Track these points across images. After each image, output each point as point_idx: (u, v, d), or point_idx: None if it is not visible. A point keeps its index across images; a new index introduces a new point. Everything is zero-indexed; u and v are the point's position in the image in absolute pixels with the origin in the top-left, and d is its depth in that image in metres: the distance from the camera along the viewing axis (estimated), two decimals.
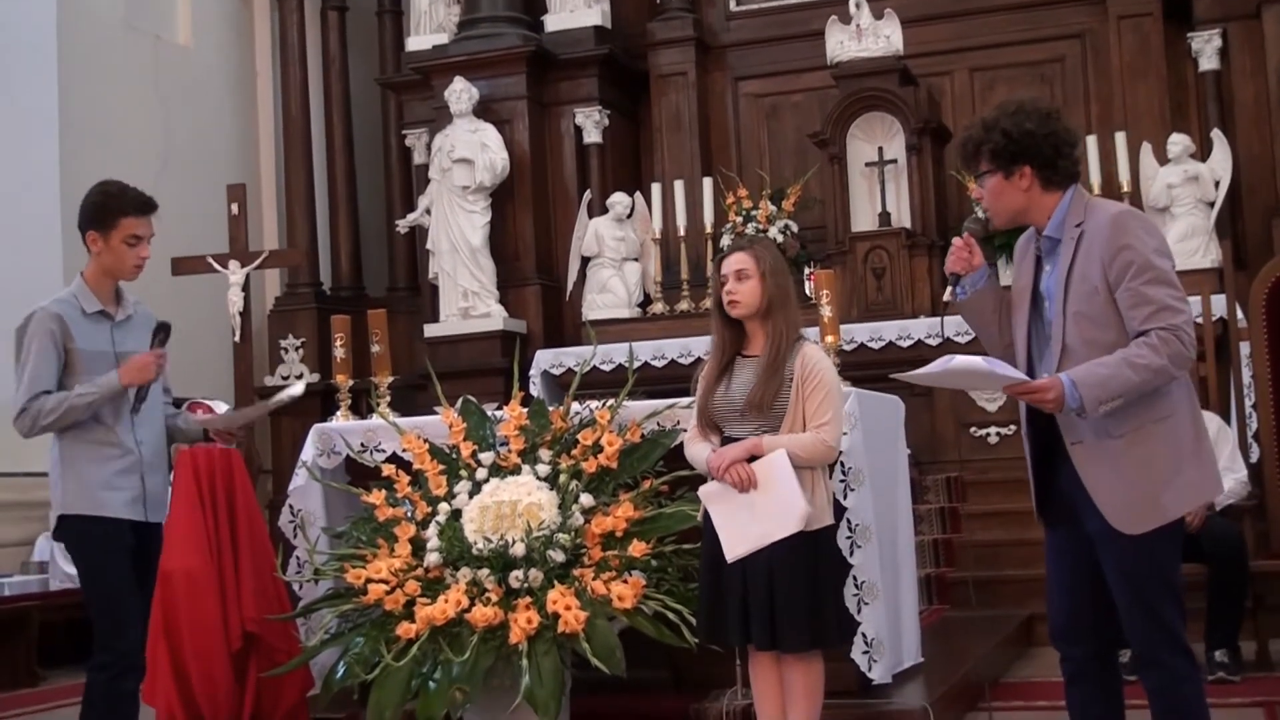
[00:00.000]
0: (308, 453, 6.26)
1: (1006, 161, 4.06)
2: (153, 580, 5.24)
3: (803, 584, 4.61)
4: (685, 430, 5.11)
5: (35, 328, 4.95)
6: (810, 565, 4.64)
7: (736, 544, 4.65)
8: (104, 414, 4.96)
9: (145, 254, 5.11)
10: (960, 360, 4.01)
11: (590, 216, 11.89)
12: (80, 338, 4.97)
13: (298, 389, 5.63)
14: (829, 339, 6.36)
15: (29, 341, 4.95)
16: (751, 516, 4.62)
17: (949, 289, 4.27)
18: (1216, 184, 10.67)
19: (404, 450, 5.76)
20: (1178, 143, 10.67)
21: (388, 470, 5.69)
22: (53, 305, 5.01)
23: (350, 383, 6.67)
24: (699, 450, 4.79)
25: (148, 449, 5.07)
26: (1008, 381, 3.98)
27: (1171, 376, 3.94)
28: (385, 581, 5.34)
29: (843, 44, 11.30)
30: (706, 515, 4.77)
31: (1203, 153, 10.82)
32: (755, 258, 4.74)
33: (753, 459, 4.63)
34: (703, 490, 4.77)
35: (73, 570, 9.87)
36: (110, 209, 5.04)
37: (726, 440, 4.74)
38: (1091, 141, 10.84)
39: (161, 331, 5.13)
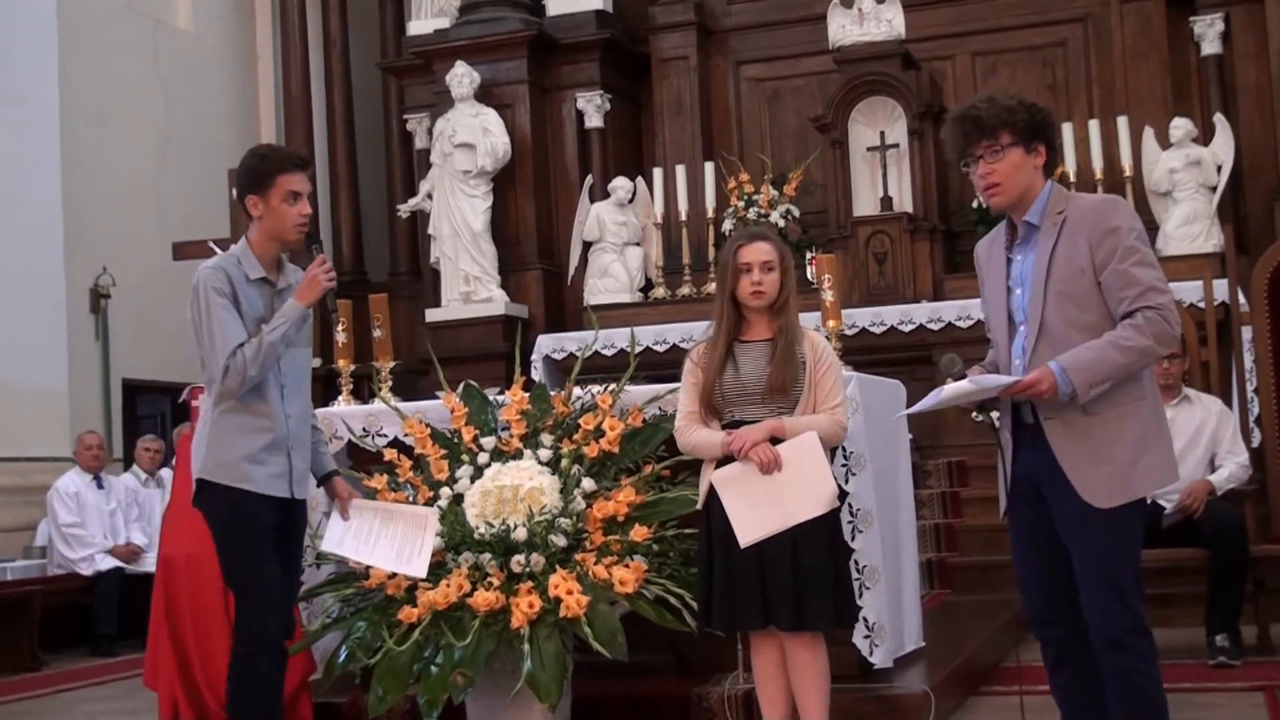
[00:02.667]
0: None
1: (1030, 136, 4.10)
2: (294, 557, 5.05)
3: (828, 563, 4.66)
4: None
5: (204, 288, 4.80)
6: (831, 545, 4.70)
7: (753, 528, 4.62)
8: (262, 384, 4.83)
9: (307, 211, 4.94)
10: (949, 389, 4.16)
11: (592, 201, 11.89)
12: (244, 301, 4.84)
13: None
14: (831, 323, 6.35)
15: (203, 304, 4.79)
16: (771, 499, 4.61)
17: (988, 416, 4.37)
18: (1219, 168, 10.66)
19: (406, 435, 5.76)
20: (1180, 127, 10.67)
21: (390, 455, 5.70)
22: (219, 262, 4.88)
23: (352, 367, 6.67)
24: (704, 435, 4.76)
25: (295, 423, 4.93)
26: (1000, 388, 4.07)
27: (1157, 356, 4.04)
28: None
29: (844, 28, 11.29)
30: (710, 502, 4.74)
31: (1205, 137, 10.82)
32: (779, 251, 4.79)
33: (772, 441, 4.65)
34: (716, 475, 4.72)
35: (71, 555, 9.93)
36: (265, 169, 4.91)
37: (732, 425, 4.73)
38: (1094, 126, 10.85)
39: (314, 242, 5.03)
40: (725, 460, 4.72)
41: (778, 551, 4.62)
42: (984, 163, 4.11)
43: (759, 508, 4.63)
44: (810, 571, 4.61)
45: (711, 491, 4.74)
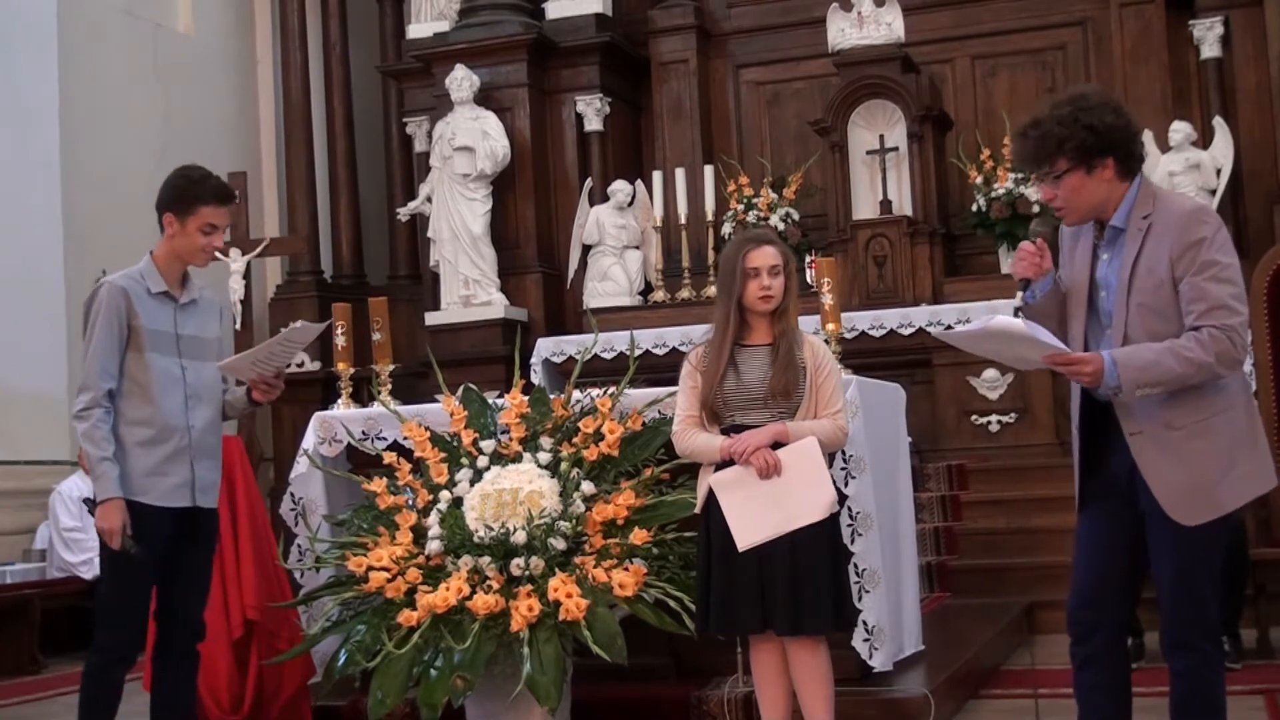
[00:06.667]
0: (309, 440, 6.25)
1: (1091, 156, 3.99)
2: (202, 564, 5.16)
3: (827, 567, 4.65)
4: None
5: (101, 302, 4.92)
6: (830, 549, 4.69)
7: (751, 532, 4.62)
8: (158, 396, 4.93)
9: (218, 243, 5.09)
10: (1001, 320, 3.97)
11: (591, 204, 11.89)
12: (144, 315, 4.93)
13: (313, 327, 5.47)
14: (830, 326, 6.35)
15: (95, 317, 4.92)
16: (770, 504, 4.61)
17: (1019, 294, 4.14)
18: (1218, 172, 10.66)
19: (405, 438, 5.75)
20: (1179, 130, 10.67)
21: (389, 458, 5.69)
22: (120, 280, 4.99)
23: (351, 370, 6.67)
24: (703, 439, 4.75)
25: (199, 434, 5.02)
26: (1047, 350, 3.94)
27: (1215, 375, 3.93)
28: (387, 569, 5.34)
29: (844, 31, 11.29)
30: (709, 505, 4.74)
31: (1204, 140, 10.82)
32: (784, 255, 4.79)
33: (774, 445, 4.64)
34: (715, 478, 4.72)
35: (71, 559, 9.92)
36: (189, 194, 5.00)
37: (733, 429, 4.72)
38: None
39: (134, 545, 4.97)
40: (724, 464, 4.71)
41: (776, 555, 4.62)
42: (1044, 187, 4.04)
43: (757, 512, 4.63)
44: (809, 575, 4.61)
45: (710, 495, 4.74)
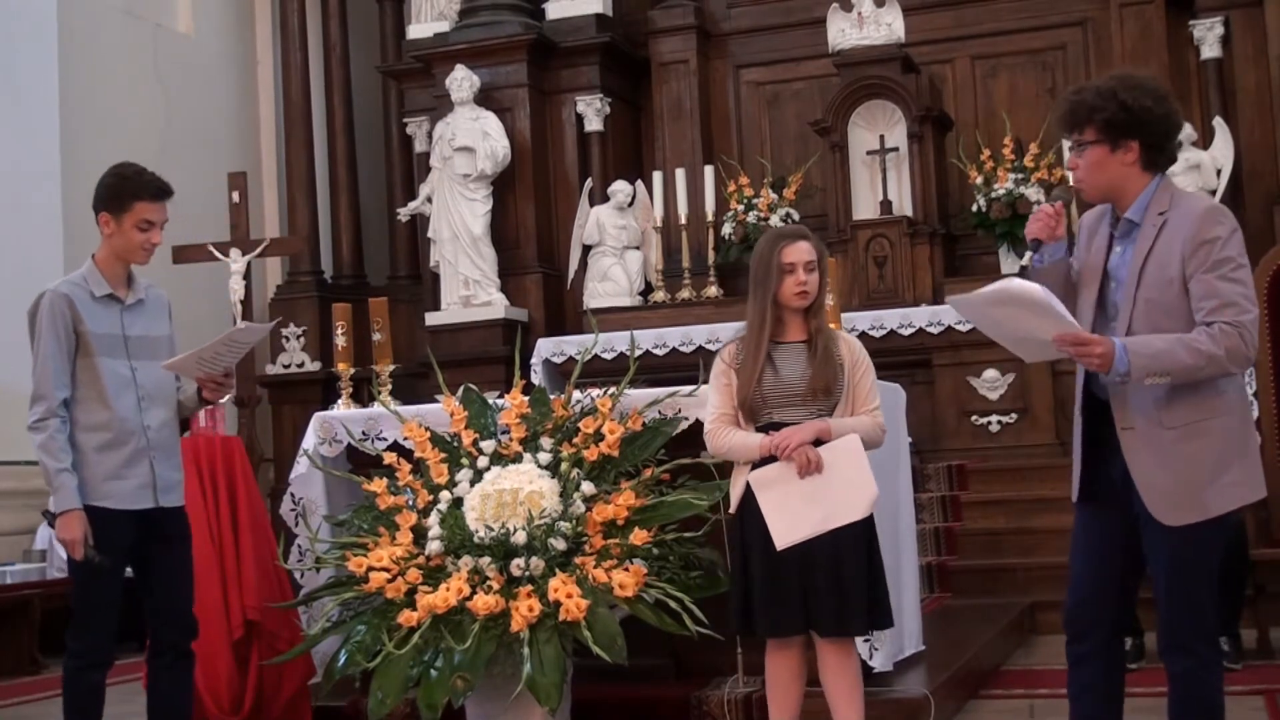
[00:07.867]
0: (309, 441, 6.25)
1: (1117, 134, 3.97)
2: (178, 562, 5.12)
3: (865, 567, 4.63)
4: (687, 419, 5.09)
5: (44, 311, 4.91)
6: (868, 549, 4.66)
7: (790, 531, 4.57)
8: (112, 399, 4.91)
9: (156, 239, 5.03)
10: (1018, 284, 3.89)
11: (591, 204, 11.89)
12: (90, 320, 4.91)
13: (257, 327, 5.44)
14: (830, 327, 6.33)
15: (39, 326, 4.91)
16: (810, 501, 4.55)
17: (1028, 254, 4.11)
18: (1218, 172, 10.67)
19: (405, 438, 5.75)
20: None
21: (389, 458, 5.69)
22: (62, 286, 4.97)
23: (351, 371, 6.68)
24: (740, 438, 4.68)
25: (155, 434, 5.00)
26: (1058, 327, 3.88)
27: (1224, 370, 3.91)
28: (387, 570, 5.34)
29: (844, 32, 11.30)
30: (744, 506, 4.69)
31: (1204, 140, 10.82)
32: (818, 250, 4.75)
33: (815, 443, 4.60)
34: (754, 475, 4.65)
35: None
36: (124, 192, 4.96)
37: (770, 426, 4.66)
38: None
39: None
40: (759, 463, 4.66)
41: (820, 555, 4.57)
42: (1072, 155, 4.02)
43: (797, 510, 4.56)
44: (851, 578, 4.58)
45: (746, 494, 4.68)
